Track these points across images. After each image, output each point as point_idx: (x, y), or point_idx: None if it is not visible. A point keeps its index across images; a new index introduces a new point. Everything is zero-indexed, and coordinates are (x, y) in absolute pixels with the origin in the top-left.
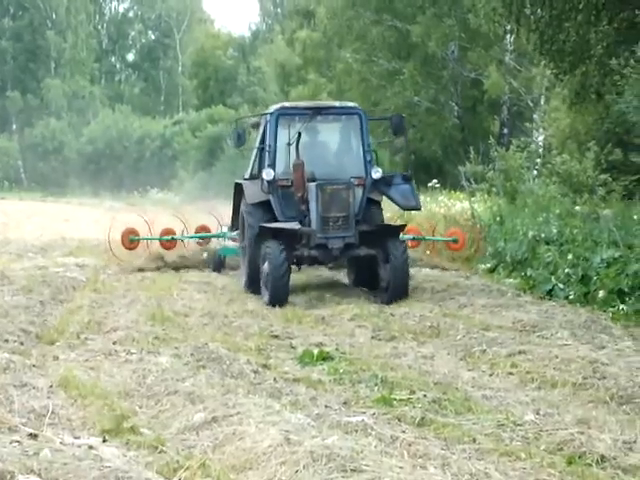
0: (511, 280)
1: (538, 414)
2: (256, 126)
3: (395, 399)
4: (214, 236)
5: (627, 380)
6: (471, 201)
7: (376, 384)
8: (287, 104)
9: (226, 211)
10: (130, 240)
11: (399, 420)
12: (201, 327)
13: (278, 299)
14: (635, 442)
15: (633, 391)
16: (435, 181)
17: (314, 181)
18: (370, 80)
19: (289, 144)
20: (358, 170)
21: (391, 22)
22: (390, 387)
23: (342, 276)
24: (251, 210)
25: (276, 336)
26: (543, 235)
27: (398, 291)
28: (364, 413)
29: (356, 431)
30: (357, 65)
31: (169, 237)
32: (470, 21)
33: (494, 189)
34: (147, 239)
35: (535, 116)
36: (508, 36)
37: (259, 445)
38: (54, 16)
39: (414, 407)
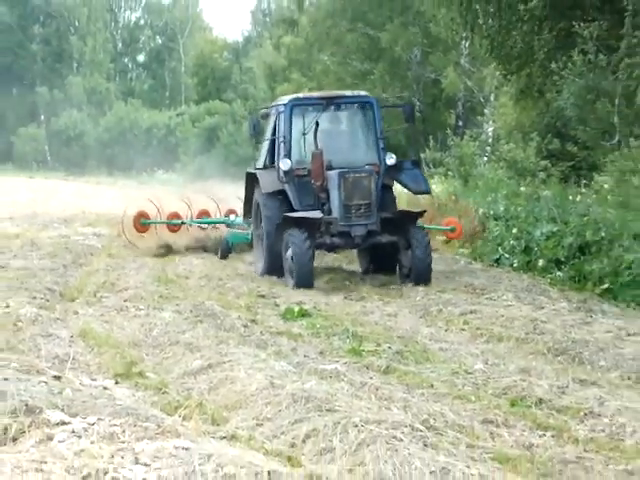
0: (464, 250)
1: (486, 364)
2: (266, 117)
3: (364, 350)
4: (223, 222)
5: (562, 335)
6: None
7: (348, 337)
8: (300, 95)
9: (221, 192)
10: (142, 223)
11: (367, 368)
12: (199, 288)
13: (304, 283)
14: (567, 387)
15: (567, 345)
16: None
17: (331, 169)
18: (345, 79)
19: (304, 134)
20: (372, 157)
21: (364, 30)
22: (360, 340)
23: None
24: (267, 199)
25: (263, 296)
26: (492, 212)
27: (421, 277)
28: (337, 362)
29: (330, 377)
30: (334, 66)
31: (179, 221)
32: (431, 29)
33: (450, 173)
34: (157, 223)
35: (486, 111)
36: (463, 42)
37: (248, 388)
38: (77, 24)
39: (380, 357)
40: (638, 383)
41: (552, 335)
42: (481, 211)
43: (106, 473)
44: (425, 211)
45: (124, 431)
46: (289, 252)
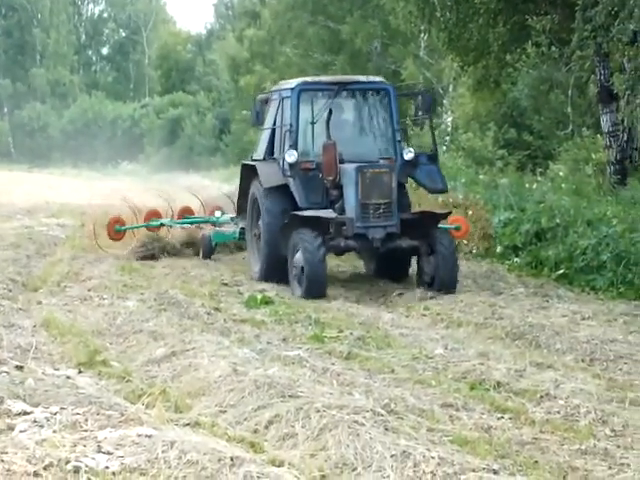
0: None
1: (446, 349)
2: (265, 103)
3: (326, 336)
4: (207, 221)
5: (520, 320)
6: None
7: (310, 324)
8: (309, 79)
9: (185, 182)
10: (116, 230)
11: (329, 354)
12: (163, 276)
13: (316, 292)
14: (525, 370)
15: (524, 329)
16: None
17: (342, 163)
18: (307, 71)
19: (312, 122)
20: (388, 150)
21: (325, 22)
22: (322, 326)
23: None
24: (267, 195)
25: (226, 284)
26: (451, 200)
27: (446, 286)
28: (300, 348)
29: (293, 363)
30: (296, 58)
31: (158, 223)
32: (391, 22)
33: None
34: (134, 228)
35: (445, 101)
36: (422, 34)
37: (211, 375)
38: (39, 16)
39: (342, 343)
40: (592, 366)
41: (510, 320)
42: (440, 199)
43: (68, 462)
44: (450, 212)
45: (87, 420)
46: (298, 256)
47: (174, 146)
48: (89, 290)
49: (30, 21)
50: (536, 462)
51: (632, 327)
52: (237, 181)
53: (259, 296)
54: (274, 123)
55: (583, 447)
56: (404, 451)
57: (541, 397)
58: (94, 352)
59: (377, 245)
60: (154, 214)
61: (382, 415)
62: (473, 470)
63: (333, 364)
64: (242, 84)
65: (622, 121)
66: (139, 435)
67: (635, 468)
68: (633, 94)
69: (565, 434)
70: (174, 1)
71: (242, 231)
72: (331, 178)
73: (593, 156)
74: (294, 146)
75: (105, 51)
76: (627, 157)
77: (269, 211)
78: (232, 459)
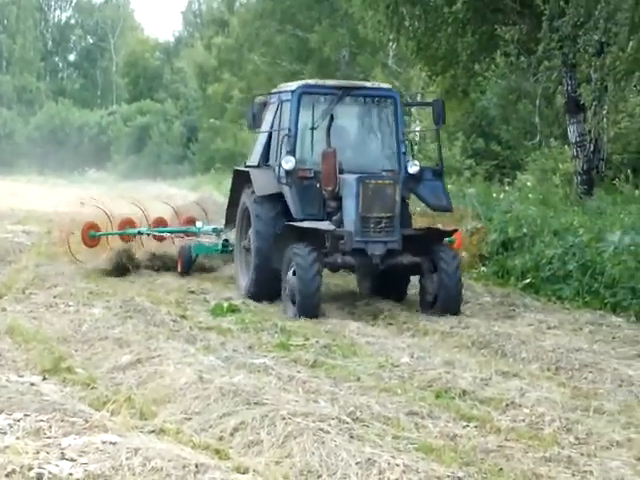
0: None
1: (412, 357)
2: (263, 105)
3: (292, 344)
4: (187, 231)
5: (486, 329)
6: None
7: (276, 332)
8: (311, 81)
9: (152, 190)
10: (90, 236)
11: (295, 362)
12: (129, 284)
13: (308, 312)
14: (490, 379)
15: (490, 337)
16: None
17: (342, 173)
18: (275, 79)
19: (312, 128)
20: (391, 162)
21: (293, 31)
22: (288, 334)
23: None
24: (259, 204)
25: (192, 292)
26: (418, 209)
27: (448, 306)
28: (266, 356)
29: (259, 371)
30: (264, 66)
31: (135, 231)
32: (359, 31)
33: None
34: (110, 234)
35: (413, 110)
36: (391, 44)
37: (177, 382)
38: (5, 22)
39: (308, 351)
40: (557, 374)
41: (476, 329)
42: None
43: (31, 469)
44: (457, 230)
45: (50, 427)
46: (291, 273)
47: (141, 154)
48: (54, 297)
49: None
50: (501, 470)
51: (597, 336)
52: (204, 189)
53: (225, 304)
54: (271, 127)
55: (547, 455)
56: (369, 459)
57: (506, 405)
58: (59, 359)
59: (376, 262)
60: (128, 222)
61: (347, 423)
62: (438, 478)
63: (299, 372)
64: (210, 92)
65: (589, 132)
66: (103, 442)
67: (598, 475)
68: (600, 105)
69: (530, 442)
70: (142, 8)
71: (225, 243)
72: (330, 188)
73: (560, 166)
74: (292, 152)
75: (72, 58)
76: (594, 167)
77: (261, 220)
78: (197, 466)
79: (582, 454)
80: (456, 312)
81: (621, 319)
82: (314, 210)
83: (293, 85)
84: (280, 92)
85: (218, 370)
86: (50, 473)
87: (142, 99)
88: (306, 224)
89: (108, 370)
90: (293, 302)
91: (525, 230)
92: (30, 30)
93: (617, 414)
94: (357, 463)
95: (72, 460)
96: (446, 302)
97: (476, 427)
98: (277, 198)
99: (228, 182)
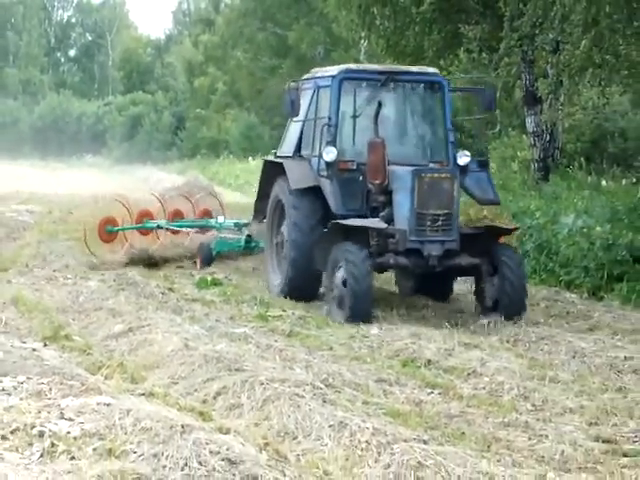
0: None
1: (381, 329)
2: (294, 91)
3: (270, 316)
4: (207, 226)
5: (450, 305)
6: None
7: (255, 304)
8: (353, 66)
9: (143, 173)
10: (107, 231)
11: (273, 332)
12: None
13: (362, 315)
14: (453, 350)
15: (454, 313)
16: None
17: (389, 165)
18: (256, 73)
19: (355, 116)
20: (439, 153)
21: (273, 29)
22: (266, 306)
23: None
24: (296, 197)
25: (181, 267)
26: None
27: (513, 310)
28: (246, 326)
29: (239, 340)
30: (246, 62)
31: (154, 225)
32: (334, 29)
33: None
34: (127, 229)
35: None
36: (362, 41)
37: (164, 349)
38: (13, 20)
39: (285, 322)
40: (515, 346)
41: (441, 304)
42: None
43: (33, 427)
44: (518, 228)
45: (51, 389)
46: (340, 273)
47: (134, 141)
48: (54, 271)
49: (4, 25)
50: (463, 433)
51: (553, 311)
52: (191, 173)
53: (209, 278)
54: (306, 115)
55: (506, 420)
56: (341, 422)
57: (468, 374)
58: (58, 327)
59: (433, 263)
60: (146, 214)
61: (321, 389)
62: (405, 440)
63: (276, 341)
64: (196, 85)
65: (545, 123)
66: (98, 403)
67: (553, 439)
68: (555, 98)
69: (490, 408)
70: (136, 8)
71: (248, 239)
72: (378, 182)
73: (519, 154)
74: (333, 142)
75: (72, 53)
76: (550, 155)
77: (298, 212)
78: (183, 426)
79: (538, 419)
80: (520, 316)
81: (575, 295)
82: (356, 205)
83: (333, 70)
84: (316, 78)
85: (202, 339)
86: (50, 431)
87: (135, 91)
88: (359, 222)
89: (102, 338)
90: (340, 306)
91: (485, 213)
92: (35, 28)
93: (570, 383)
94: (330, 426)
95: (70, 419)
96: (509, 306)
97: (440, 394)
98: (314, 192)
99: (212, 167)
